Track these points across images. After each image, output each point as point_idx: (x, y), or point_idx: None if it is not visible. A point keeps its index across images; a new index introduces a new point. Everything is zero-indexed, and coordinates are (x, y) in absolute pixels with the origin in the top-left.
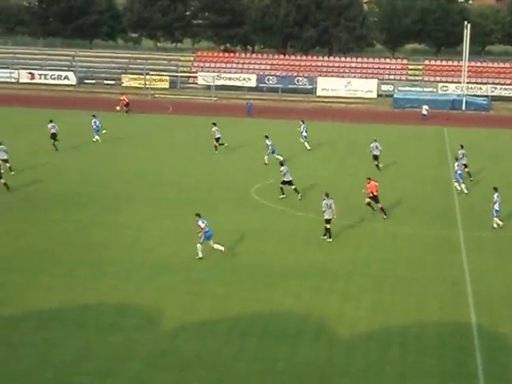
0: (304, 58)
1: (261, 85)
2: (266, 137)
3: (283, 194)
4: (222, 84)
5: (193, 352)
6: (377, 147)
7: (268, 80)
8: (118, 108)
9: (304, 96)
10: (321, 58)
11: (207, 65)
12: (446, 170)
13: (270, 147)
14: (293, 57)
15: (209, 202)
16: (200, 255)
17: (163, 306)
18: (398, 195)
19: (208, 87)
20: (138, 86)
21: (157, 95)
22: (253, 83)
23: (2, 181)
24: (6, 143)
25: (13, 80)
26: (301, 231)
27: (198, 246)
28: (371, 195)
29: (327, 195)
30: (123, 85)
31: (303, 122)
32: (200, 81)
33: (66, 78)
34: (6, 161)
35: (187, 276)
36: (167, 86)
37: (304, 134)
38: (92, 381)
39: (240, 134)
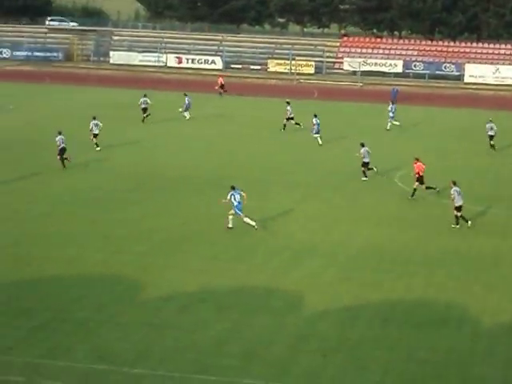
0: (452, 43)
1: (407, 70)
2: (315, 116)
3: (366, 176)
4: (367, 70)
5: (334, 337)
6: (492, 128)
7: (415, 66)
8: (216, 88)
9: (451, 82)
10: (469, 44)
11: (353, 50)
12: None
13: (316, 127)
14: (440, 43)
15: (350, 187)
16: (230, 225)
17: (307, 290)
18: None
19: (354, 73)
20: (283, 71)
21: (302, 80)
22: (399, 69)
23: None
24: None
25: (161, 64)
26: (443, 219)
27: (230, 216)
28: (417, 176)
29: (454, 183)
30: (269, 70)
31: (392, 103)
32: (346, 66)
33: (213, 62)
34: (96, 135)
35: (332, 261)
36: (312, 72)
37: (391, 114)
38: (236, 363)
39: (385, 120)
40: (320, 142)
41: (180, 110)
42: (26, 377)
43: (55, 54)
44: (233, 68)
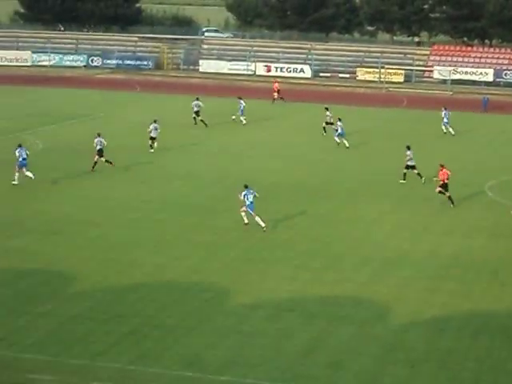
0: None
1: (498, 79)
2: (339, 119)
3: (404, 179)
4: (457, 78)
5: (423, 348)
6: None
7: (506, 75)
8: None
9: None
10: None
11: (443, 58)
12: None
13: (340, 130)
14: None
15: (438, 198)
16: (245, 221)
17: (395, 300)
18: None
19: (444, 81)
20: (372, 79)
21: (391, 89)
22: (490, 78)
23: (103, 159)
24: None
25: (249, 72)
26: None
27: (242, 213)
28: (442, 183)
29: None
30: (358, 78)
31: (445, 109)
32: (436, 75)
33: (302, 70)
34: (153, 139)
35: (421, 271)
36: (402, 80)
37: (445, 120)
38: (323, 373)
39: (475, 129)
40: (347, 144)
41: (233, 117)
42: (114, 383)
43: (145, 63)
44: (321, 76)
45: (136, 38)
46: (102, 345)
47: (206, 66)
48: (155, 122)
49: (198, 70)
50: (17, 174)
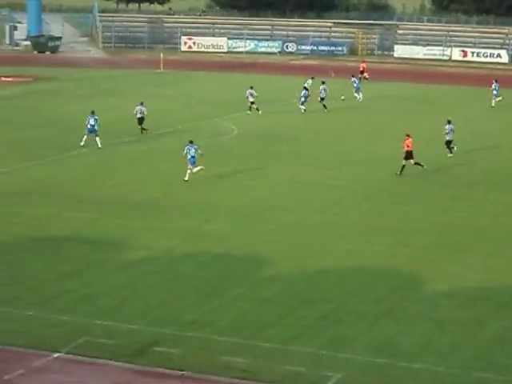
0: None
1: None
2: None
3: (451, 152)
4: None
5: None
6: None
7: None
8: (366, 76)
9: None
10: None
11: None
12: None
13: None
14: None
15: None
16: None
17: None
18: None
19: None
20: None
21: None
22: None
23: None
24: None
25: (445, 58)
26: None
27: (188, 170)
28: (406, 150)
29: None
30: None
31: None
32: None
33: (499, 55)
34: (252, 102)
35: None
36: None
37: (495, 92)
38: None
39: None
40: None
41: (342, 97)
42: (307, 367)
43: (340, 48)
44: None
45: (331, 24)
46: (294, 329)
47: (401, 51)
48: (251, 88)
49: (393, 55)
50: (85, 137)
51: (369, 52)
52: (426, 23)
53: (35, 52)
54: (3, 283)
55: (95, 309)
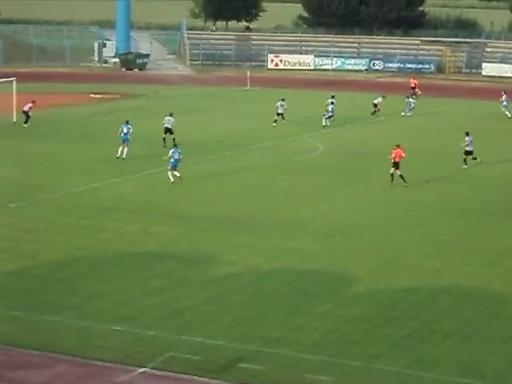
0: None
1: None
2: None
3: (466, 164)
4: None
5: None
6: None
7: None
8: (418, 92)
9: None
10: None
11: None
12: None
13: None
14: None
15: None
16: (171, 179)
17: None
18: None
19: None
20: None
21: None
22: None
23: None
24: None
25: None
26: None
27: (168, 172)
28: (393, 161)
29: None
30: None
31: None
32: None
33: None
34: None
35: None
36: None
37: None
38: None
39: None
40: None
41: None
42: None
43: (427, 66)
44: None
45: (418, 42)
46: (379, 347)
47: (489, 69)
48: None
49: (481, 73)
50: (120, 148)
51: (456, 70)
52: None
53: (123, 69)
54: (91, 297)
55: (182, 324)
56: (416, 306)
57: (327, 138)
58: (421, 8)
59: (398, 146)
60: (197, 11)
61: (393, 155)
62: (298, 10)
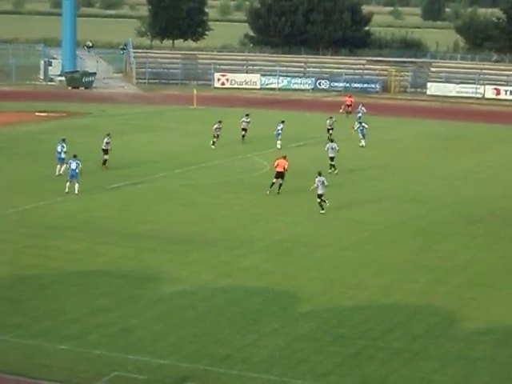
0: None
1: None
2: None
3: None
4: None
5: None
6: None
7: None
8: (340, 110)
9: None
10: None
11: None
12: None
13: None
14: None
15: None
16: (66, 190)
17: None
18: None
19: None
20: None
21: None
22: None
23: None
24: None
25: (478, 95)
26: None
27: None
28: (277, 171)
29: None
30: None
31: None
32: None
33: None
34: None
35: None
36: None
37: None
38: None
39: None
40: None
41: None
42: None
43: (373, 86)
44: None
45: (364, 61)
46: (327, 366)
47: (434, 88)
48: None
49: (426, 92)
50: (58, 167)
51: (402, 89)
52: (459, 61)
53: (69, 87)
54: (37, 316)
55: (129, 343)
56: (363, 324)
57: (274, 157)
58: (366, 28)
59: (283, 157)
60: (143, 30)
61: (275, 164)
62: (245, 29)
